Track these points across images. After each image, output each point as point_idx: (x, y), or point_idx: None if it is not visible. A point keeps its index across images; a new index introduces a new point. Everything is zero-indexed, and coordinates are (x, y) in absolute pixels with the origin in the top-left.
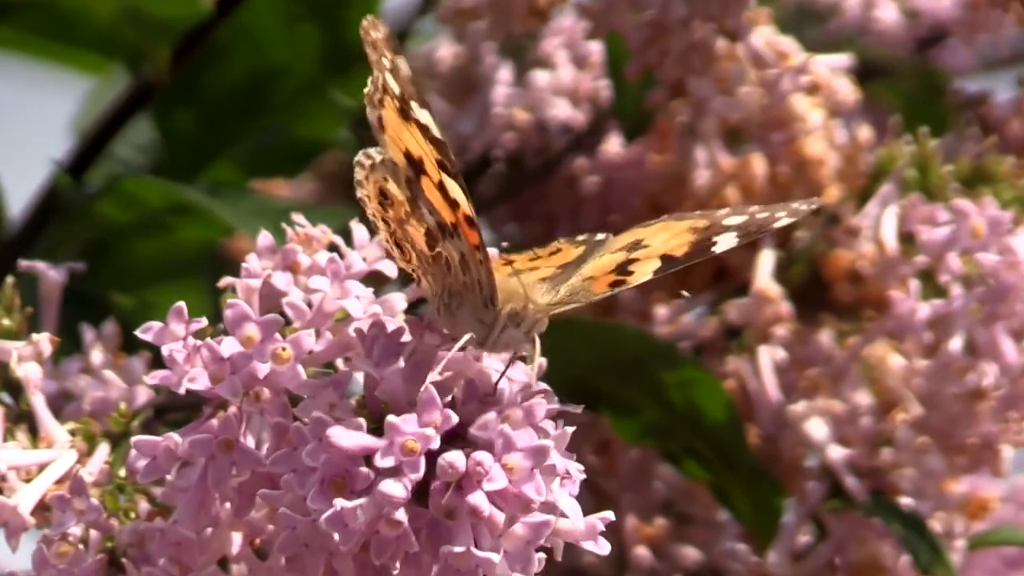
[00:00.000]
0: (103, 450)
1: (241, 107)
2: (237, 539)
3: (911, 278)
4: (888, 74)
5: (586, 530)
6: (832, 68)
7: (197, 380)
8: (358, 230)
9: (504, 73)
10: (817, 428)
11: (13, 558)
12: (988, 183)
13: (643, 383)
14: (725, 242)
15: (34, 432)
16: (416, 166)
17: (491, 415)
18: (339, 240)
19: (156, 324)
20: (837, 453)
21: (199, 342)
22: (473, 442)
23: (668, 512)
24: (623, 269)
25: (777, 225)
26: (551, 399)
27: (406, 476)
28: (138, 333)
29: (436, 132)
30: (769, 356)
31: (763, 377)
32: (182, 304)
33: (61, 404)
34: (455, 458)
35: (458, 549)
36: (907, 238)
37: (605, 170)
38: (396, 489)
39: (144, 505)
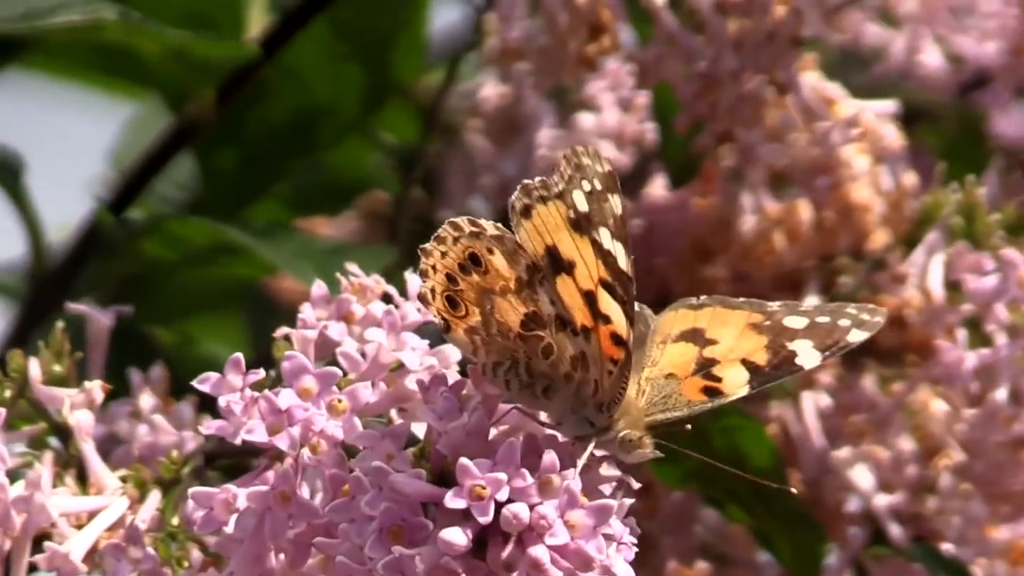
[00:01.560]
0: (155, 497)
1: (284, 146)
2: None
3: (958, 327)
4: (930, 118)
5: None
6: (878, 114)
7: (255, 432)
8: (412, 280)
9: (549, 115)
10: (861, 474)
11: None
12: None
13: None
14: (805, 355)
15: (83, 477)
16: (559, 264)
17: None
18: (393, 290)
19: (213, 375)
20: (880, 499)
21: (256, 393)
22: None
23: (708, 555)
24: (707, 371)
25: (851, 339)
26: (612, 466)
27: (473, 521)
28: (196, 384)
29: (623, 264)
30: (813, 402)
31: (807, 422)
32: (239, 356)
33: (108, 447)
34: (519, 509)
35: None
36: (953, 285)
37: (649, 213)
38: (457, 537)
39: (196, 554)
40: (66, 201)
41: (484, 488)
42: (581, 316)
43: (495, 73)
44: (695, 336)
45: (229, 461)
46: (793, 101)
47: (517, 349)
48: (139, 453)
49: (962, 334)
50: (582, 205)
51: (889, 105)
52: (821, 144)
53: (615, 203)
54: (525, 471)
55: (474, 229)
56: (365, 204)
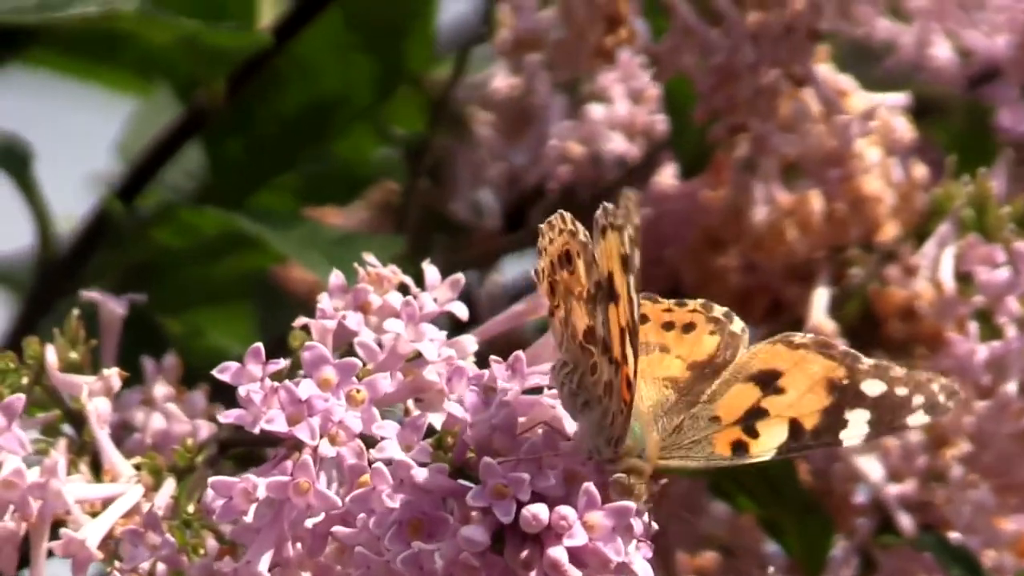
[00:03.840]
0: (169, 485)
1: (293, 136)
2: None
3: (969, 319)
4: (939, 112)
5: None
6: (889, 107)
7: (275, 422)
8: (430, 271)
9: (560, 106)
10: (869, 463)
11: None
12: None
13: None
14: (855, 429)
15: (96, 465)
16: (612, 293)
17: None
18: (409, 281)
19: (232, 364)
20: (889, 488)
21: (276, 384)
22: (553, 496)
23: (714, 546)
24: (749, 424)
25: (911, 421)
26: None
27: (492, 516)
28: (215, 373)
29: (636, 317)
30: None
31: None
32: (259, 345)
33: (120, 435)
34: (539, 510)
35: None
36: (964, 278)
37: (658, 202)
38: (479, 535)
39: (212, 542)
40: (68, 196)
41: (506, 487)
42: (617, 349)
43: (505, 65)
44: (767, 381)
45: (242, 450)
46: (811, 94)
47: (575, 356)
48: (152, 441)
49: (973, 327)
50: (628, 247)
51: (900, 98)
52: (839, 137)
53: (637, 258)
54: (549, 471)
55: (572, 228)
56: (375, 195)
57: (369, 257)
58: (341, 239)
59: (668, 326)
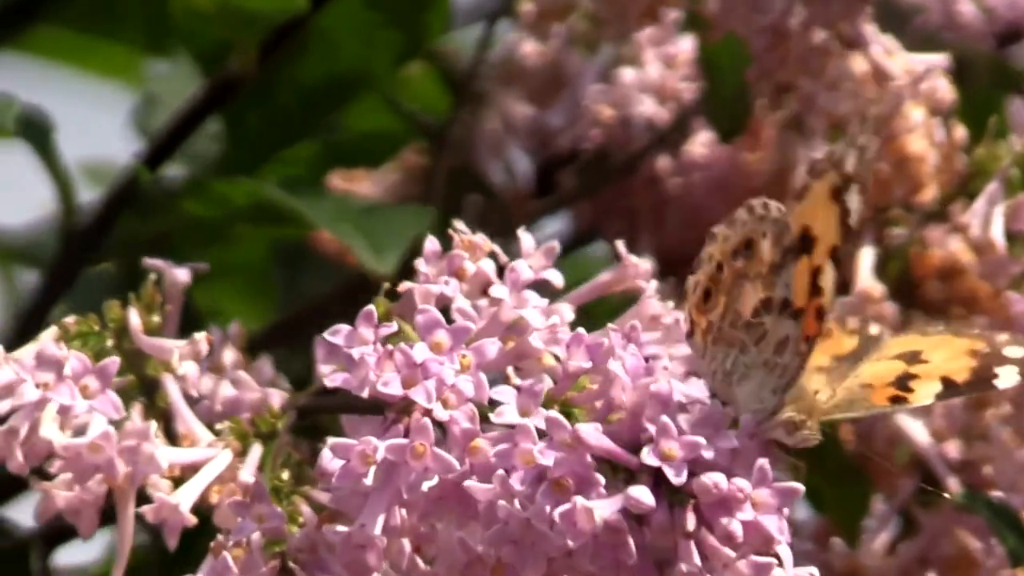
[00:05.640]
0: (256, 450)
1: (313, 107)
2: (406, 546)
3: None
4: (966, 73)
5: None
6: (930, 67)
7: (391, 384)
8: (525, 238)
9: (592, 70)
10: (911, 422)
11: None
12: None
13: None
14: (1007, 377)
15: (169, 432)
16: (806, 245)
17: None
18: (498, 249)
19: (344, 327)
20: (931, 447)
21: (391, 347)
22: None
23: None
24: (903, 383)
25: None
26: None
27: (650, 480)
28: (327, 336)
29: (854, 220)
30: None
31: None
32: (372, 308)
33: None
34: (719, 479)
35: (689, 570)
36: (1012, 237)
37: (689, 169)
38: (646, 496)
39: (306, 509)
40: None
41: (674, 450)
42: (801, 298)
43: (529, 37)
44: (910, 357)
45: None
46: (856, 54)
47: (735, 340)
48: (223, 408)
49: None
50: (850, 165)
51: (941, 59)
52: (890, 100)
53: (873, 148)
54: (719, 442)
55: (762, 212)
56: (406, 158)
57: (459, 224)
58: (370, 209)
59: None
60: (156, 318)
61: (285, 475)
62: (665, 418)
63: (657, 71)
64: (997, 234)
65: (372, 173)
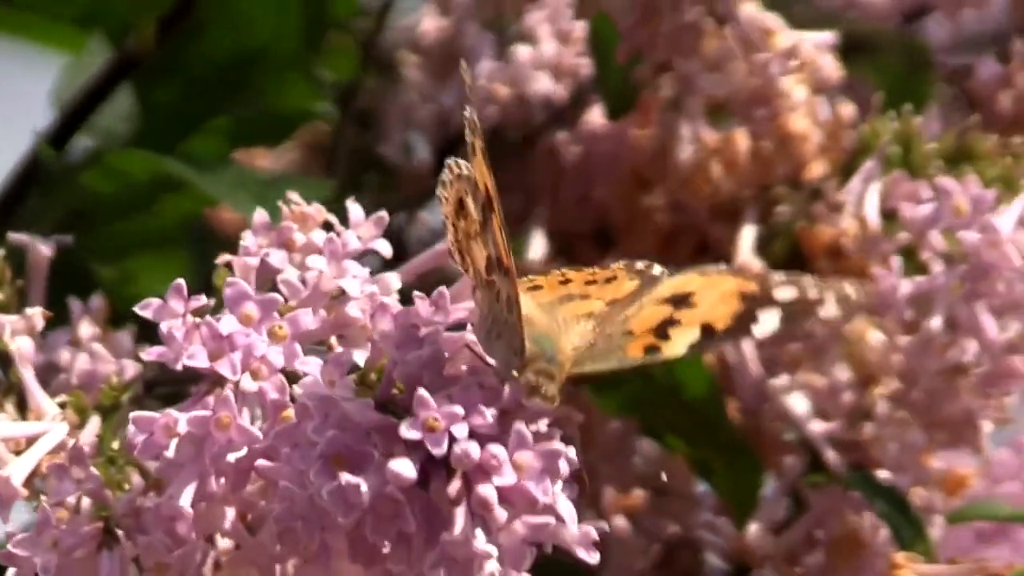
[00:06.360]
0: (94, 422)
1: (223, 81)
2: (229, 514)
3: (893, 255)
4: (872, 49)
5: (580, 536)
6: (816, 45)
7: (196, 357)
8: (353, 209)
9: (488, 47)
10: (798, 402)
11: None
12: (971, 161)
13: None
14: (766, 323)
15: (22, 405)
16: (490, 201)
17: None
18: (334, 219)
19: (155, 300)
20: (817, 427)
21: (198, 320)
22: (485, 434)
23: (644, 486)
24: (662, 331)
25: (822, 313)
26: None
27: (417, 453)
28: (136, 309)
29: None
30: None
31: (744, 352)
32: (181, 281)
33: (47, 376)
34: (471, 447)
35: (458, 537)
36: (889, 215)
37: (587, 141)
38: (406, 469)
39: (137, 478)
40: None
41: (438, 420)
42: (505, 256)
43: (434, 8)
44: (680, 300)
45: (168, 389)
46: (731, 32)
47: (489, 300)
48: (78, 381)
49: (896, 261)
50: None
51: (827, 36)
52: (760, 75)
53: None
54: (483, 408)
55: (458, 171)
56: (304, 136)
57: (293, 195)
58: (270, 181)
59: (591, 283)
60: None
61: (116, 444)
62: (422, 391)
63: (552, 48)
64: (871, 212)
65: (271, 151)
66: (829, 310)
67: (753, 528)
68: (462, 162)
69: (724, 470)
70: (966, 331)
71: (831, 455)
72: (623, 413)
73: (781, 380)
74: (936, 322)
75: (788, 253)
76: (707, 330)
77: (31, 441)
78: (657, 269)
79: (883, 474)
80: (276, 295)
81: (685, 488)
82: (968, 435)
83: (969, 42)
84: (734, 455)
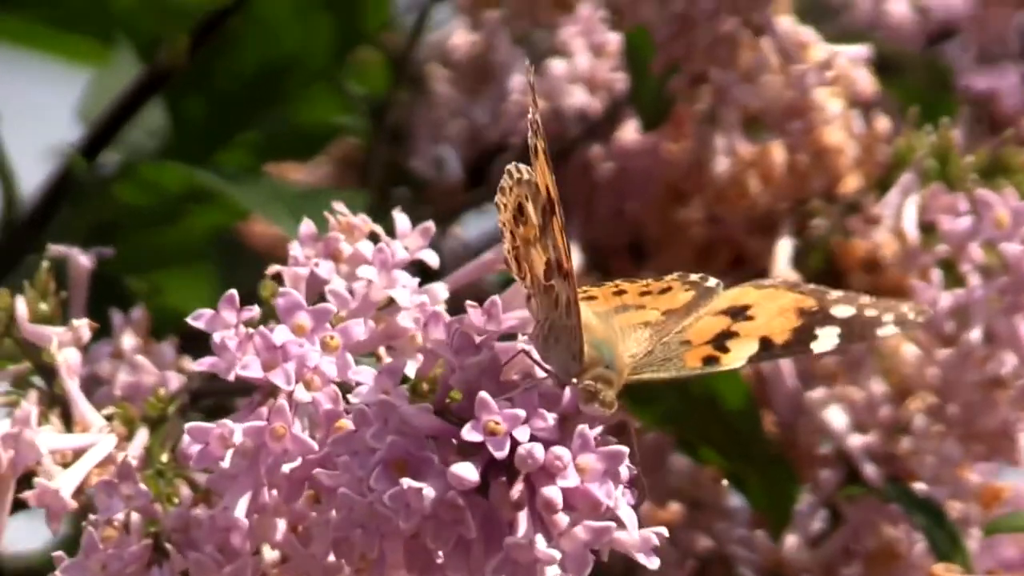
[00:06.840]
0: (142, 435)
1: (253, 95)
2: (280, 525)
3: (932, 267)
4: (897, 69)
5: (640, 542)
6: (851, 59)
7: (250, 367)
8: (400, 219)
9: (520, 62)
10: (834, 415)
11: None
12: (1006, 174)
13: None
14: (825, 341)
15: (67, 417)
16: (551, 204)
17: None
18: (379, 229)
19: (207, 311)
20: (854, 440)
21: (250, 330)
22: (546, 438)
23: (679, 500)
24: (720, 343)
25: (880, 332)
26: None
27: (478, 457)
28: (189, 320)
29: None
30: None
31: (780, 364)
32: (233, 292)
33: (90, 388)
34: (535, 448)
35: (521, 540)
36: (927, 228)
37: (620, 157)
38: (468, 472)
39: (186, 491)
40: (27, 169)
41: (499, 424)
42: (566, 259)
43: (465, 23)
44: (737, 313)
45: (213, 401)
46: (768, 43)
47: (547, 305)
48: (121, 393)
49: (936, 274)
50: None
51: (862, 50)
52: (795, 87)
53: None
54: (544, 411)
55: (519, 176)
56: (337, 150)
57: (339, 206)
58: (305, 194)
59: (645, 293)
60: (44, 305)
61: (165, 457)
62: (483, 394)
63: (586, 61)
64: (909, 225)
65: (304, 165)
66: (888, 330)
67: (789, 541)
68: (523, 167)
69: (759, 483)
70: (1005, 344)
71: (869, 468)
72: (661, 425)
73: (817, 393)
74: (975, 335)
75: (823, 267)
76: (765, 343)
77: (78, 454)
78: (712, 281)
79: (920, 487)
80: (329, 305)
81: (719, 502)
82: (1005, 448)
83: (992, 65)
84: (770, 468)
